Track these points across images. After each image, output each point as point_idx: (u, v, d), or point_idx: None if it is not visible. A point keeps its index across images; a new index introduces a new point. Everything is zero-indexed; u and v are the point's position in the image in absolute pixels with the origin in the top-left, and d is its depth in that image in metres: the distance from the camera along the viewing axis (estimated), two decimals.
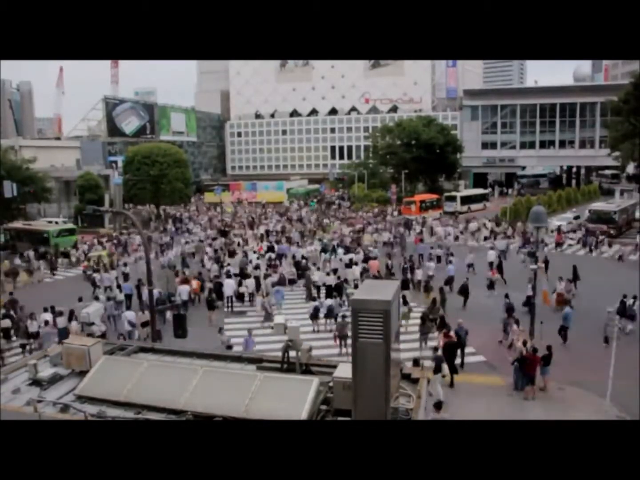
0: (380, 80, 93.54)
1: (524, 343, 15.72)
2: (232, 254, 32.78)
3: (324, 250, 33.16)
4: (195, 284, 25.26)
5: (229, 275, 26.15)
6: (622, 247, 34.54)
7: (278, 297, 23.25)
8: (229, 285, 24.64)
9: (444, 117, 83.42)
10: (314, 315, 21.27)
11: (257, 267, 28.24)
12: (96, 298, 23.21)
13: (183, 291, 23.62)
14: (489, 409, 14.47)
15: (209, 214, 60.47)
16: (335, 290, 24.00)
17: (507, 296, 20.96)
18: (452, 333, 17.30)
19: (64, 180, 56.33)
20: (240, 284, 25.39)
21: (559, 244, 37.45)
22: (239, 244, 37.33)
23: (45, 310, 20.41)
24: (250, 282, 25.31)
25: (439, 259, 31.14)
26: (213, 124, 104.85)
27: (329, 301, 22.12)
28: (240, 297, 25.02)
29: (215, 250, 34.83)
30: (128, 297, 24.28)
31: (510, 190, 72.12)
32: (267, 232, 42.37)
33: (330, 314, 21.08)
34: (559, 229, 39.21)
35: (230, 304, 24.37)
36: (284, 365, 7.93)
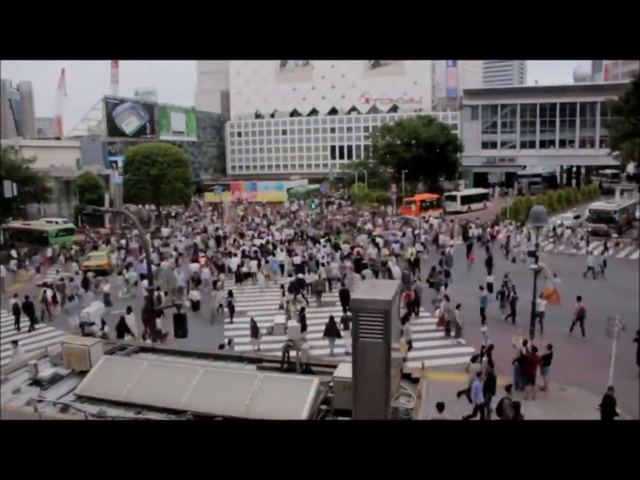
0: (380, 80, 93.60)
1: (524, 343, 15.70)
2: (220, 268, 30.27)
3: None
4: (202, 261, 30.52)
5: (234, 255, 31.76)
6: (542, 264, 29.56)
7: (275, 266, 29.98)
8: (233, 263, 30.02)
9: (444, 116, 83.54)
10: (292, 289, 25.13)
11: (256, 252, 33.23)
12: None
13: (193, 268, 28.78)
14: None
15: (207, 219, 57.43)
16: (303, 268, 29.03)
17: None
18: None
19: (64, 180, 56.36)
20: (242, 264, 30.02)
21: (493, 237, 37.86)
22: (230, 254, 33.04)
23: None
24: (253, 264, 30.00)
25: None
26: (213, 124, 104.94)
27: (300, 275, 26.94)
28: (244, 275, 29.24)
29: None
30: (142, 275, 26.91)
31: (510, 190, 72.13)
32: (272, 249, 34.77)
33: (304, 284, 26.16)
34: (493, 224, 42.39)
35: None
36: (284, 365, 7.93)
